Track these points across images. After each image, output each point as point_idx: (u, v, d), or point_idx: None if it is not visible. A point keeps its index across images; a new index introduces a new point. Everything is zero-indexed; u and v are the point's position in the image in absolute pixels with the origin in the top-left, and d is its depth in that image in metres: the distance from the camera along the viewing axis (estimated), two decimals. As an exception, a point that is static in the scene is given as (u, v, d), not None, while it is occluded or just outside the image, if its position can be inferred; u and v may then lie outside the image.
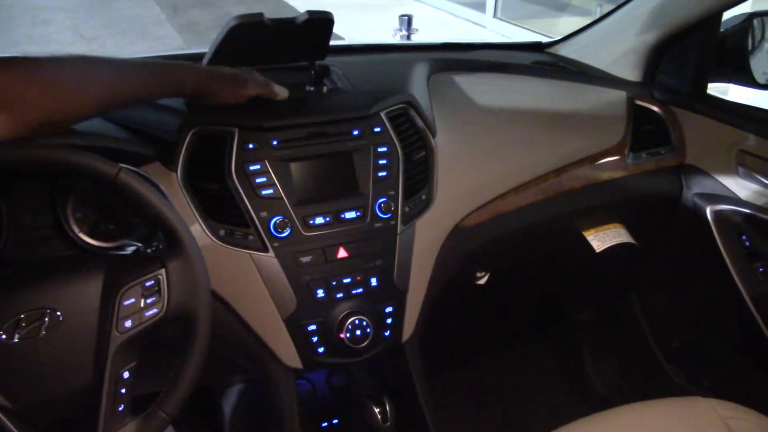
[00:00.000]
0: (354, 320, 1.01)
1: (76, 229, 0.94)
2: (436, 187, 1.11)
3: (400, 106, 1.10)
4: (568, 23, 6.54)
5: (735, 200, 1.30)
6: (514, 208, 1.24)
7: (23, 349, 0.73)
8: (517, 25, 6.64)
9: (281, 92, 1.06)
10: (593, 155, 1.31)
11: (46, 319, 0.74)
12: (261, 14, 1.03)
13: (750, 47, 1.34)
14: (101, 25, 6.92)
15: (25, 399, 0.74)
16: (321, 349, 1.04)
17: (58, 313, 0.75)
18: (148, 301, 0.79)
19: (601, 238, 1.37)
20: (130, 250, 0.97)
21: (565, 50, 1.58)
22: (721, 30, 1.35)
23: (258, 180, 0.97)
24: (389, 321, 1.07)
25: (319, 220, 1.01)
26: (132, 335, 0.78)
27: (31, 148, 0.76)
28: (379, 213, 1.04)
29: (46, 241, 0.93)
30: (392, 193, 1.05)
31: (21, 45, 6.05)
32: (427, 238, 1.10)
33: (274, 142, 0.99)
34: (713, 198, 1.34)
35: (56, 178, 0.93)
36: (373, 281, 1.04)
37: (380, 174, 1.04)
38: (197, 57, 1.37)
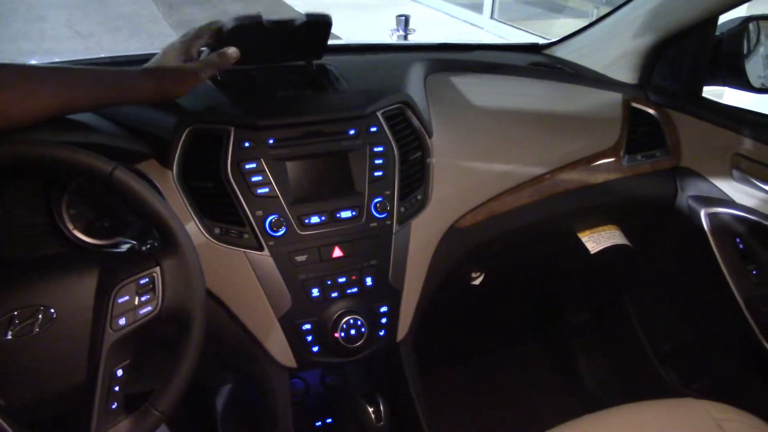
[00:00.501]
0: (349, 320, 1.02)
1: (70, 227, 0.93)
2: (432, 188, 1.11)
3: (397, 106, 1.10)
4: (565, 25, 6.55)
5: (729, 203, 1.31)
6: (510, 209, 1.24)
7: (16, 347, 0.73)
8: (514, 27, 6.65)
9: (233, 52, 0.98)
10: (588, 157, 1.31)
11: (40, 316, 0.74)
12: (259, 15, 1.03)
13: (745, 51, 1.34)
14: (96, 21, 6.90)
15: (18, 396, 0.74)
16: (315, 349, 1.04)
17: (52, 311, 0.75)
18: (143, 299, 0.78)
19: (595, 240, 1.37)
20: (124, 247, 0.97)
21: (562, 52, 1.59)
22: (717, 33, 1.35)
23: (254, 179, 0.97)
24: (384, 321, 1.07)
25: (315, 220, 1.01)
26: (126, 333, 0.77)
27: (26, 145, 0.76)
28: (374, 213, 1.04)
29: (41, 238, 0.93)
30: (388, 192, 1.05)
31: (16, 41, 6.02)
32: (422, 238, 1.10)
33: (270, 141, 0.99)
34: (708, 201, 1.34)
35: (51, 175, 0.92)
36: (368, 281, 1.04)
37: (376, 174, 1.04)
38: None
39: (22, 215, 0.92)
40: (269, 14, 1.05)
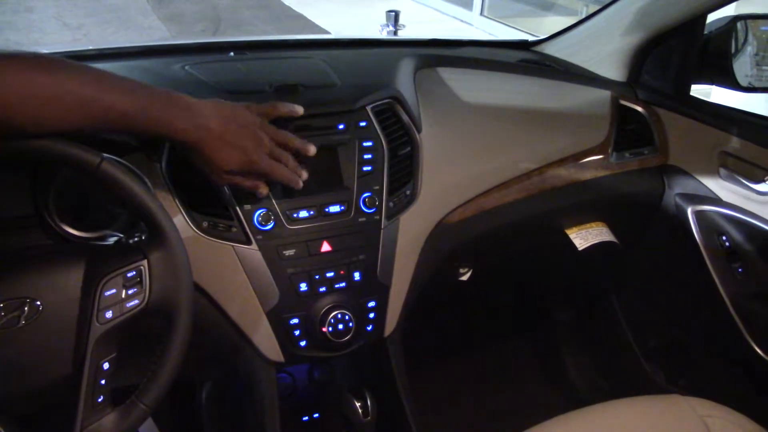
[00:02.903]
0: (336, 314, 1.01)
1: (57, 219, 0.93)
2: (421, 183, 1.11)
3: (386, 100, 1.10)
4: (555, 22, 6.57)
5: (716, 201, 1.31)
6: (498, 205, 1.24)
7: (2, 339, 0.73)
8: (504, 24, 6.67)
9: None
10: (577, 154, 1.32)
11: (26, 308, 0.74)
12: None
13: (733, 50, 1.35)
14: (85, 13, 6.85)
15: (3, 389, 0.73)
16: (303, 343, 1.03)
17: (38, 303, 0.74)
18: (130, 291, 0.78)
19: (583, 236, 1.38)
20: (111, 240, 0.96)
21: (551, 49, 1.59)
22: (706, 32, 1.36)
23: None
24: (372, 315, 1.07)
25: (303, 214, 1.00)
26: (112, 326, 0.77)
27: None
28: (363, 207, 1.04)
29: (27, 230, 0.92)
30: (377, 187, 1.05)
31: (3, 32, 5.97)
32: (410, 233, 1.10)
33: None
34: (695, 198, 1.35)
35: (38, 167, 0.91)
36: (356, 275, 1.04)
37: (365, 168, 1.04)
38: (182, 48, 1.37)
39: (8, 207, 0.91)
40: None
